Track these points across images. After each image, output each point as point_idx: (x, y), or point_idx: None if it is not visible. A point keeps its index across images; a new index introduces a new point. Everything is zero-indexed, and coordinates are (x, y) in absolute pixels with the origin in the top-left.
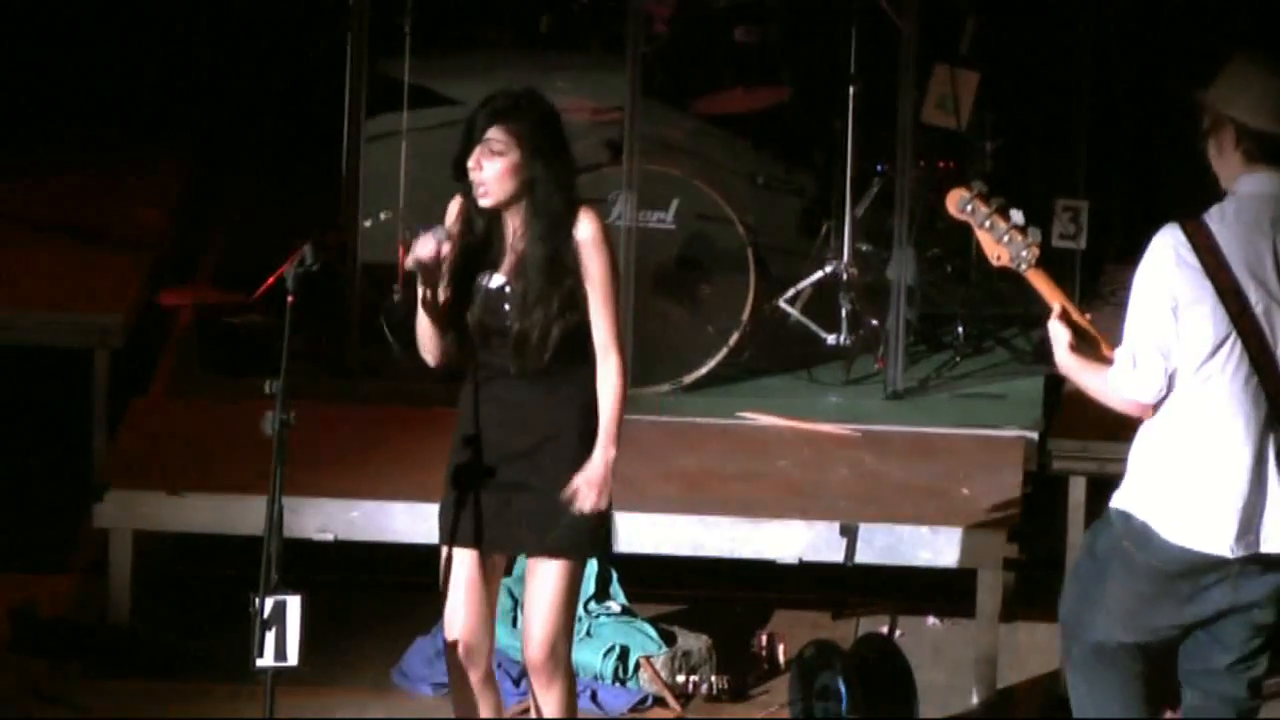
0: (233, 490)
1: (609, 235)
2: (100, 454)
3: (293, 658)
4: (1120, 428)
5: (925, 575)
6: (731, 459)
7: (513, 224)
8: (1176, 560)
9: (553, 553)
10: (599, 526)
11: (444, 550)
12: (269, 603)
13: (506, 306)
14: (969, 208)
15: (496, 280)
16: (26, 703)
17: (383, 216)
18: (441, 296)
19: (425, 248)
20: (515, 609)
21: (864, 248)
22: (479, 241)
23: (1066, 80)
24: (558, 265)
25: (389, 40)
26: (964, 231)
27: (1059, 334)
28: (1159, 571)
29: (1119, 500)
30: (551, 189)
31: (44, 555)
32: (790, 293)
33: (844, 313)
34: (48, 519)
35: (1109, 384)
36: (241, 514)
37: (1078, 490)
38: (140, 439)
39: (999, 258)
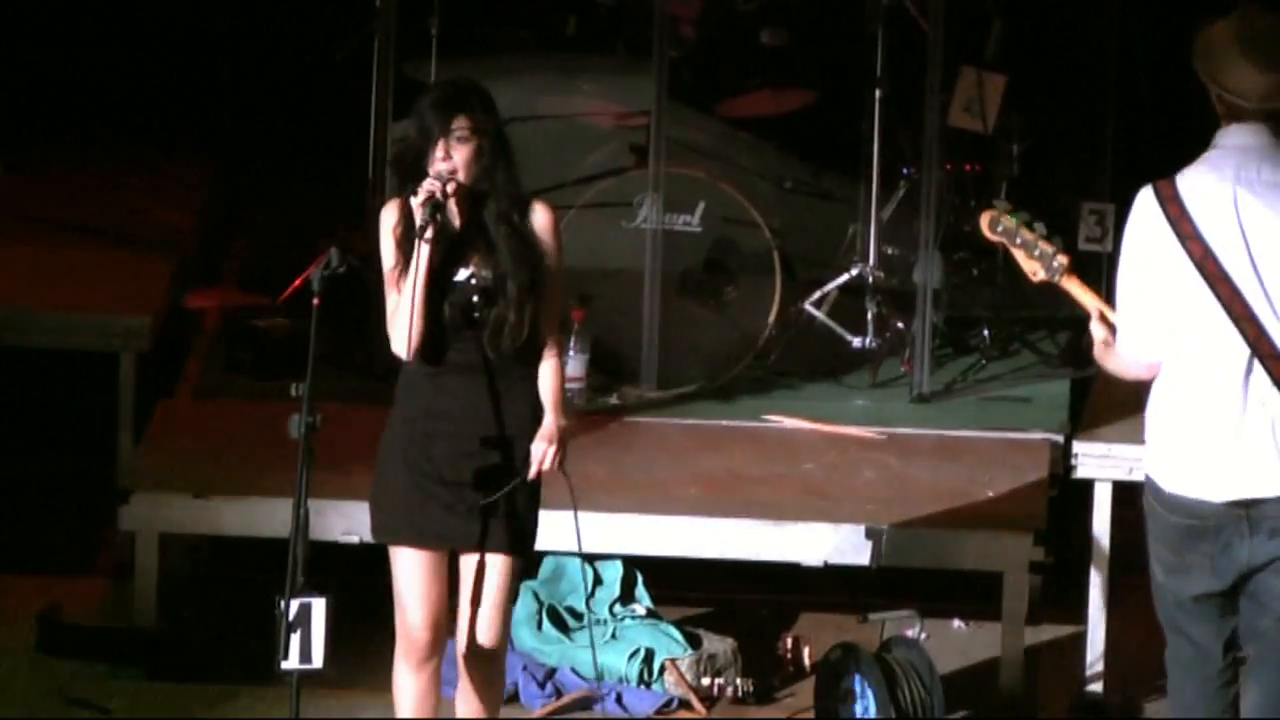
0: (258, 493)
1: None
2: (126, 457)
3: (318, 660)
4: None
5: (951, 578)
6: (757, 462)
7: (470, 216)
8: (1180, 510)
9: (506, 549)
10: (536, 526)
11: (394, 547)
12: (294, 605)
13: (476, 299)
14: (1000, 227)
15: (463, 274)
16: (52, 705)
17: None
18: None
19: (433, 184)
20: (540, 611)
21: (890, 251)
22: (446, 240)
23: (1092, 83)
24: (522, 246)
25: (415, 43)
26: None
27: (1095, 334)
28: (1176, 527)
29: (1146, 463)
30: (510, 172)
31: (70, 558)
32: (816, 296)
33: (870, 316)
34: (74, 522)
35: (1120, 353)
36: (267, 516)
37: (1103, 494)
38: (166, 441)
39: (1035, 273)
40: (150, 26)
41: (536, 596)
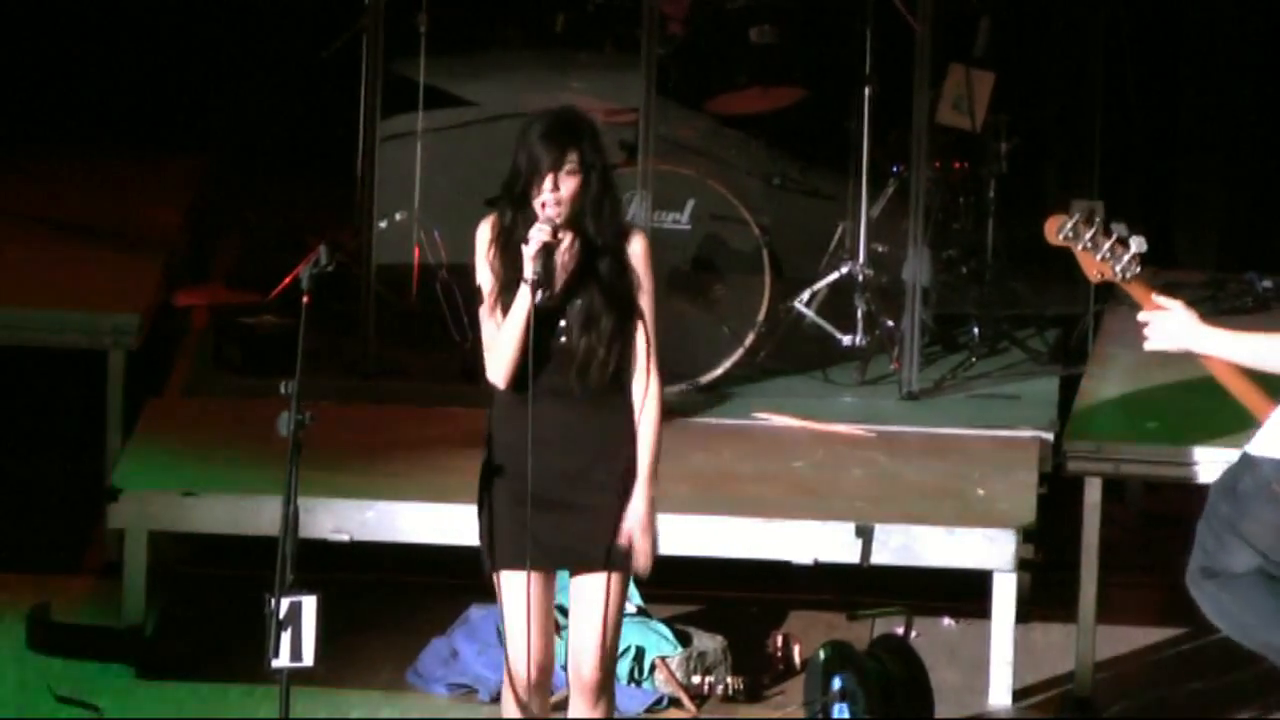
0: (248, 491)
1: (656, 253)
2: (115, 454)
3: (308, 658)
4: (1135, 428)
5: (940, 576)
6: (746, 460)
7: (563, 245)
8: None
9: (608, 567)
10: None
11: (498, 575)
12: (284, 603)
13: (564, 323)
14: (1070, 233)
15: (558, 308)
16: (42, 703)
17: (398, 217)
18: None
19: (542, 232)
20: None
21: (879, 248)
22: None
23: (1080, 81)
24: (618, 281)
25: (404, 40)
26: (979, 232)
27: (1185, 315)
28: None
29: (1267, 448)
30: (617, 206)
31: (59, 556)
32: (806, 294)
33: (859, 313)
34: (63, 520)
35: None
36: (256, 514)
37: (1093, 491)
38: (155, 439)
39: (1101, 274)
40: (140, 25)
41: None
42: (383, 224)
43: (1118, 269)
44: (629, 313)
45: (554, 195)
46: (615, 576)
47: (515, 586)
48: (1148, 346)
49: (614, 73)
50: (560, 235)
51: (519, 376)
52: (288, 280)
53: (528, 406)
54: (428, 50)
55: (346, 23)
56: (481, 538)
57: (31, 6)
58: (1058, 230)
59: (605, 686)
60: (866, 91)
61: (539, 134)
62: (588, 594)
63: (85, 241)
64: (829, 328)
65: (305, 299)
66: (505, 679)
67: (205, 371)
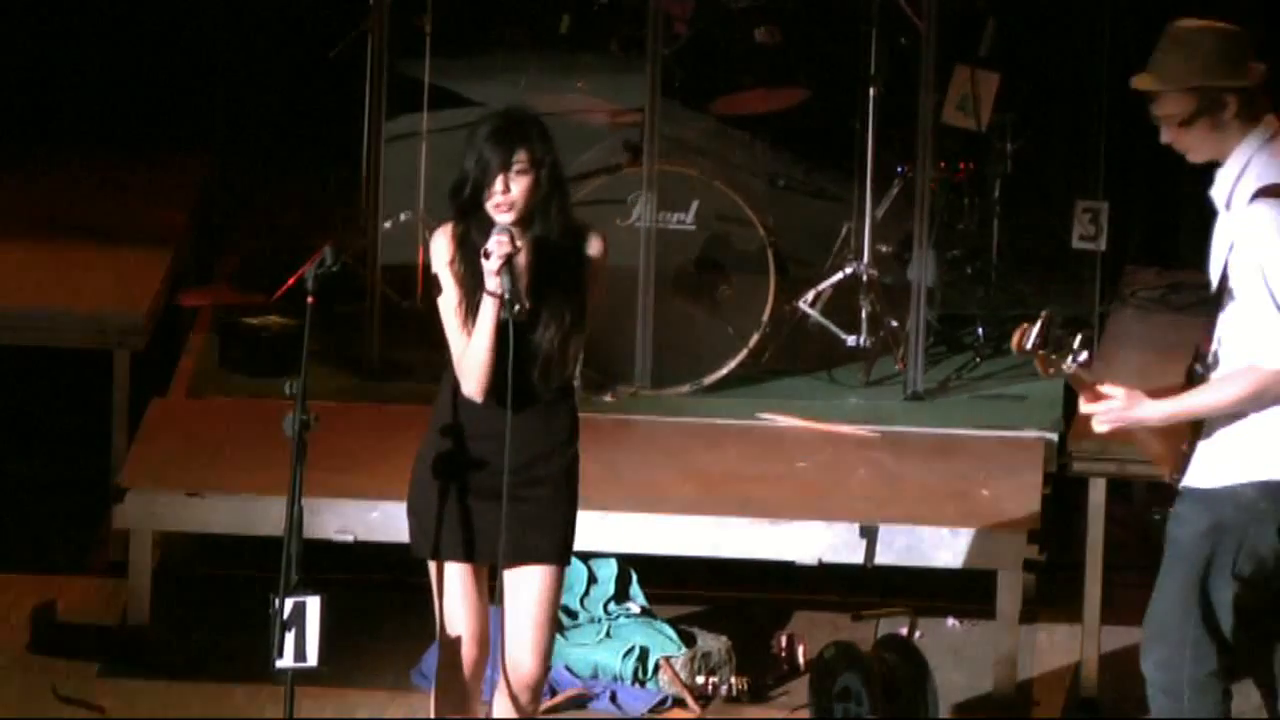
0: (253, 491)
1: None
2: (120, 455)
3: (312, 658)
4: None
5: (945, 576)
6: (751, 460)
7: (528, 256)
8: None
9: (543, 559)
10: (572, 533)
11: (434, 565)
12: (289, 603)
13: (526, 335)
14: (1037, 339)
15: (515, 311)
16: (46, 704)
17: (403, 218)
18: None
19: (502, 246)
20: None
21: (884, 249)
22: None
23: (1086, 81)
24: (571, 280)
25: (409, 41)
26: (984, 232)
27: (1131, 397)
28: None
29: (1245, 474)
30: (565, 203)
31: (64, 556)
32: (810, 294)
33: (864, 314)
34: (68, 520)
35: (1263, 361)
36: (261, 515)
37: (1098, 491)
38: (160, 440)
39: (1053, 370)
40: (145, 24)
41: None
42: (388, 224)
43: (1068, 359)
44: (581, 311)
45: (505, 196)
46: (550, 569)
47: (455, 578)
48: (1099, 429)
49: (619, 73)
50: (519, 243)
51: (496, 387)
52: (292, 280)
53: (484, 405)
54: (432, 51)
55: (352, 23)
56: (416, 526)
57: (35, 6)
58: (1024, 340)
59: (544, 680)
60: (871, 92)
61: (486, 135)
62: (525, 587)
63: (90, 241)
64: (833, 328)
65: (310, 299)
66: (441, 667)
67: (210, 372)
